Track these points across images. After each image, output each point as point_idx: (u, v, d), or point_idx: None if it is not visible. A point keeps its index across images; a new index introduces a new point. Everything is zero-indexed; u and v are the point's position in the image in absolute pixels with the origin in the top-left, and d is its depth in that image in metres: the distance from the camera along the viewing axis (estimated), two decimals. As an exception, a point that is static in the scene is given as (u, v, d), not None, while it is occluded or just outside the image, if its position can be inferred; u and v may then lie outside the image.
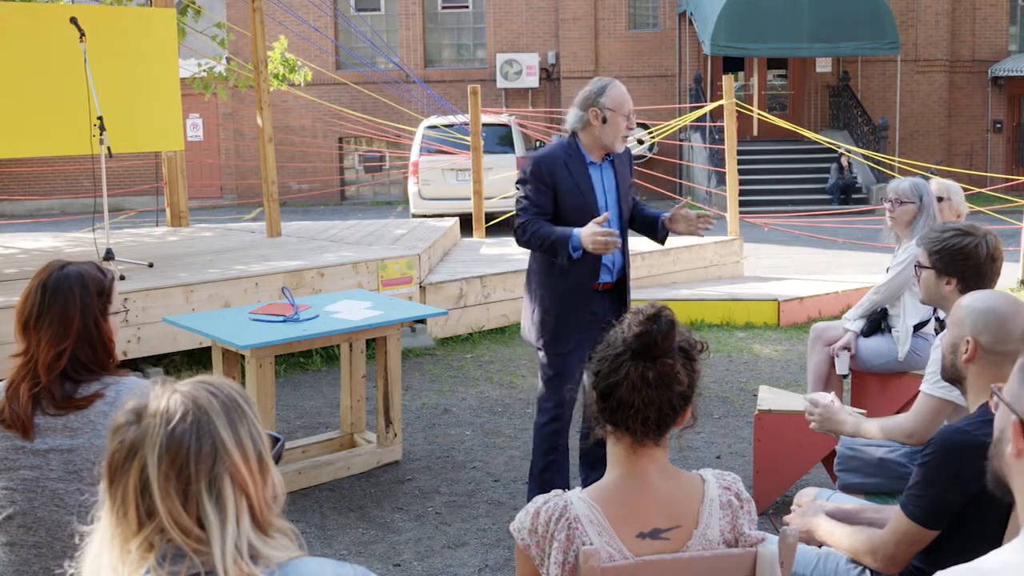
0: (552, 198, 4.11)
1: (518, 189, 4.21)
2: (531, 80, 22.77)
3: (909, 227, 4.90)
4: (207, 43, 10.99)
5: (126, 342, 6.27)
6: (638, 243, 9.35)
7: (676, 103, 22.20)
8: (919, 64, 22.55)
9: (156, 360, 6.73)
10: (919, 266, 3.33)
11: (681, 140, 21.65)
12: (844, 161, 19.70)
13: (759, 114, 14.42)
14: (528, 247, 4.17)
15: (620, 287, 4.34)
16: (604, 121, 4.08)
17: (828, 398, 3.52)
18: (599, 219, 3.91)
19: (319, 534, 4.46)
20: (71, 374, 2.46)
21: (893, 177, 7.49)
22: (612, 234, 3.87)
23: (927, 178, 5.30)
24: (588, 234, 3.88)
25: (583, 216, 4.01)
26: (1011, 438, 1.48)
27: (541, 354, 4.29)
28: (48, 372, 2.44)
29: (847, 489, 3.34)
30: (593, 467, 4.36)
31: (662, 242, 4.52)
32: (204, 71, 10.60)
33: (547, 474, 4.26)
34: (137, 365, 6.54)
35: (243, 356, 4.82)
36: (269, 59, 10.73)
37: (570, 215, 4.07)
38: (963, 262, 3.21)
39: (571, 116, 4.18)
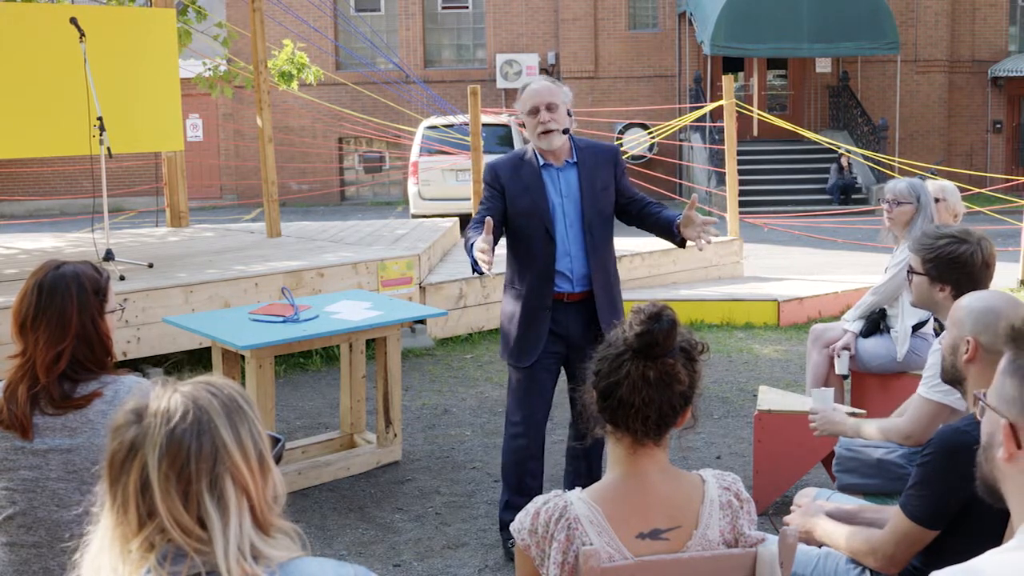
0: (503, 203, 4.07)
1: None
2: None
3: (907, 228, 4.90)
4: (208, 43, 10.99)
5: (126, 342, 6.27)
6: (638, 243, 9.35)
7: (676, 103, 22.20)
8: (919, 64, 22.55)
9: (156, 360, 6.74)
10: (911, 271, 3.30)
11: (681, 140, 21.66)
12: (844, 161, 19.70)
13: (759, 114, 14.40)
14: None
15: (590, 301, 4.09)
16: (523, 125, 4.13)
17: (829, 394, 3.53)
18: (487, 227, 3.73)
19: (319, 534, 4.46)
20: (70, 374, 2.46)
21: (893, 177, 7.49)
22: (484, 251, 3.63)
23: (924, 179, 5.30)
24: (476, 248, 3.67)
25: (532, 221, 4.01)
26: (1001, 442, 1.47)
27: (508, 368, 4.26)
28: (47, 373, 2.43)
29: (846, 490, 3.34)
30: (577, 463, 4.28)
31: (681, 245, 4.23)
32: (209, 70, 10.59)
33: (516, 502, 4.03)
34: (137, 365, 6.54)
35: (243, 356, 4.83)
36: (275, 58, 10.71)
37: (520, 220, 4.04)
38: (958, 270, 3.18)
39: None
